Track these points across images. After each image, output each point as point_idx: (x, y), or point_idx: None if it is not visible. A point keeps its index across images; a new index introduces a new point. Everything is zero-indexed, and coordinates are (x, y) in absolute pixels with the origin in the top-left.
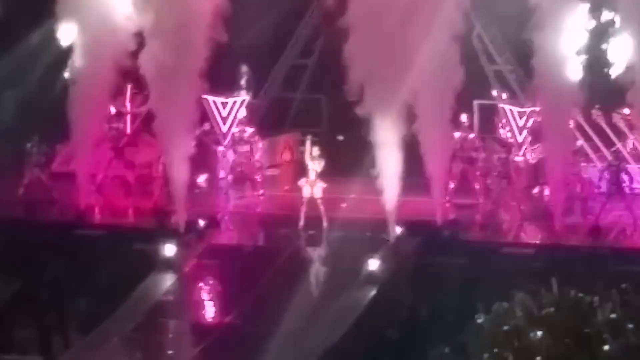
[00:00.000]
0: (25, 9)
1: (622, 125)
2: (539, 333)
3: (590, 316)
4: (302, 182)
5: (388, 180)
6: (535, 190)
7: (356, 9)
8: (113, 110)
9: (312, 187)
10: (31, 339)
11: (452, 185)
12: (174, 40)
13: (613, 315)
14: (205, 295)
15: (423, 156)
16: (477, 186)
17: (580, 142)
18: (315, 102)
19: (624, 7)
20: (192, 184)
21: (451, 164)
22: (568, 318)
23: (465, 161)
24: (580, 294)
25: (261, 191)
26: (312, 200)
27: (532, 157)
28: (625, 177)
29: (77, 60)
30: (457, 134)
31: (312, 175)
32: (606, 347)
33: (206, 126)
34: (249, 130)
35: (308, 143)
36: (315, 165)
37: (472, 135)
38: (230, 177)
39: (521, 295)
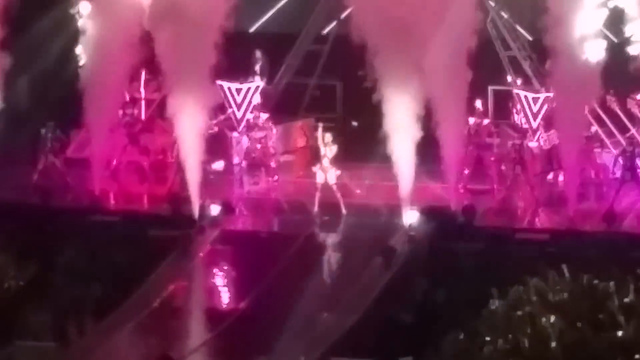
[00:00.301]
0: None
1: (636, 110)
2: (553, 318)
3: (604, 301)
4: (316, 168)
5: (403, 165)
6: (550, 176)
7: None
8: (128, 96)
9: (326, 173)
10: (45, 324)
11: (466, 171)
12: (187, 26)
13: (627, 300)
14: (219, 281)
15: (438, 142)
16: (491, 172)
17: (595, 128)
18: (330, 88)
19: None
20: (206, 170)
21: (466, 149)
22: (582, 304)
23: (480, 147)
24: (595, 280)
25: (276, 177)
26: (326, 186)
27: (546, 143)
28: (639, 163)
29: (90, 43)
30: (471, 120)
31: (325, 161)
32: (620, 333)
33: (221, 117)
34: (264, 116)
35: (320, 129)
36: (328, 151)
37: (486, 121)
38: (244, 163)
39: (535, 281)
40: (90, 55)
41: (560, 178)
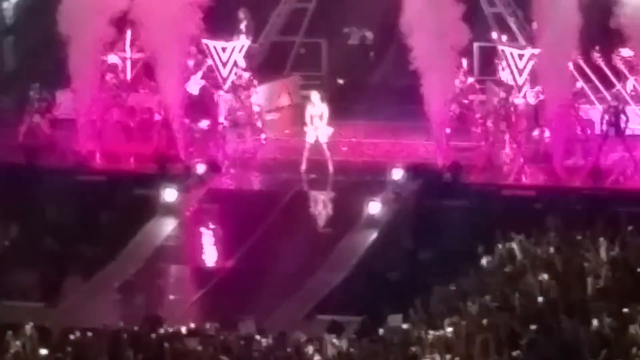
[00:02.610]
0: None
1: (621, 66)
2: (540, 275)
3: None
4: (307, 127)
5: (389, 123)
6: (536, 132)
7: None
8: (113, 56)
9: (317, 132)
10: (32, 285)
11: (448, 130)
12: None
13: (612, 253)
14: (206, 240)
15: (423, 99)
16: (477, 129)
17: (580, 83)
18: (315, 45)
19: None
20: (192, 129)
21: (449, 108)
22: (567, 258)
23: (464, 106)
24: (579, 235)
25: (263, 135)
26: (315, 145)
27: (532, 99)
28: (623, 118)
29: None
30: (456, 81)
31: (316, 120)
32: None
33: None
34: (249, 74)
35: (314, 93)
36: (320, 109)
37: (471, 80)
38: (230, 122)
39: (521, 237)
40: (73, 15)
41: (546, 134)
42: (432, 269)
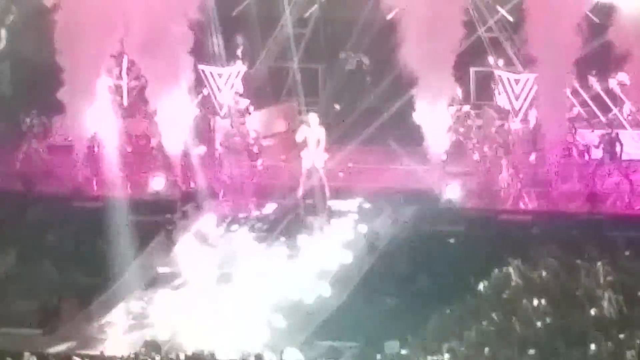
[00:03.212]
0: None
1: (618, 91)
2: (538, 300)
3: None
4: (304, 152)
5: (386, 148)
6: (532, 157)
7: None
8: (110, 81)
9: (314, 157)
10: (30, 311)
11: (444, 157)
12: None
13: (609, 279)
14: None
15: (420, 124)
16: (474, 154)
17: (577, 108)
18: (312, 71)
19: None
20: (189, 155)
21: (446, 135)
22: (564, 284)
23: (460, 133)
24: (577, 259)
25: (259, 161)
26: (311, 171)
27: (528, 124)
28: (619, 145)
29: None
30: (452, 109)
31: (312, 146)
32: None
33: (204, 92)
34: (245, 100)
35: (312, 115)
36: (317, 135)
37: (466, 108)
38: (226, 147)
39: (518, 262)
40: (70, 41)
41: (539, 158)
42: (429, 294)
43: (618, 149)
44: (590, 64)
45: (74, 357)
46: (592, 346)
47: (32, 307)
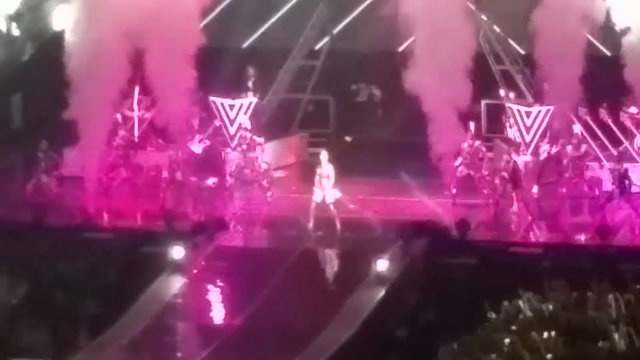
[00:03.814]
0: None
1: (629, 123)
2: (548, 333)
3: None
4: (314, 187)
5: (396, 180)
6: (535, 189)
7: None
8: (120, 114)
9: (324, 192)
10: (40, 342)
11: (454, 191)
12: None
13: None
14: (213, 297)
15: (431, 157)
16: (484, 186)
17: (587, 143)
18: (323, 103)
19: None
20: (200, 186)
21: (457, 168)
22: (575, 317)
23: (471, 167)
24: (588, 292)
25: (269, 193)
26: (322, 204)
27: (539, 156)
28: (628, 180)
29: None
30: (464, 144)
31: (324, 181)
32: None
33: (215, 124)
34: (256, 132)
35: (323, 152)
36: (327, 170)
37: (477, 143)
38: (237, 179)
39: (529, 295)
40: (81, 73)
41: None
42: (440, 326)
43: (627, 182)
44: (601, 97)
45: None
46: None
47: (42, 338)
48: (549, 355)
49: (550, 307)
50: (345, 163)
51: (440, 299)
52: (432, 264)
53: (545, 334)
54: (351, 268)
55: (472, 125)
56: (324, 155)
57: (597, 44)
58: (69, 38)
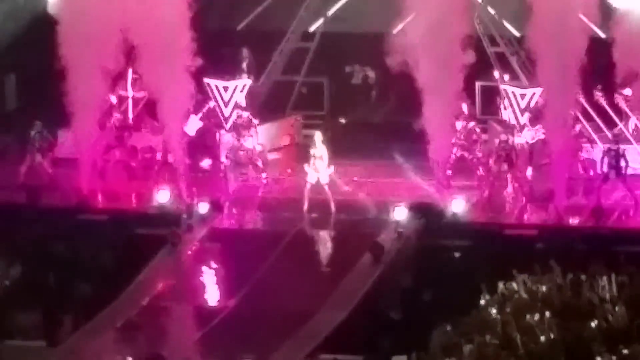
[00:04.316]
0: None
1: (623, 105)
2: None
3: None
4: (307, 167)
5: (391, 162)
6: (529, 172)
7: None
8: (115, 95)
9: (318, 173)
10: (34, 324)
11: (449, 172)
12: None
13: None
14: (208, 279)
15: (425, 138)
16: (479, 168)
17: (581, 124)
18: (317, 85)
19: None
20: (195, 168)
21: (451, 150)
22: (569, 298)
23: (465, 148)
24: (582, 274)
25: (264, 175)
26: (317, 185)
27: (531, 138)
28: (623, 160)
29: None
30: (458, 125)
31: (318, 162)
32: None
33: (210, 105)
34: (250, 114)
35: (317, 133)
36: (321, 151)
37: (472, 124)
38: (231, 161)
39: (523, 277)
40: (75, 54)
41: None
42: (434, 307)
43: (623, 164)
44: (596, 78)
45: None
46: None
47: (36, 320)
48: (542, 337)
49: (545, 288)
50: (340, 145)
51: (434, 281)
52: (426, 246)
53: (540, 316)
54: (345, 250)
55: (465, 106)
56: (317, 136)
57: (593, 26)
58: (62, 17)
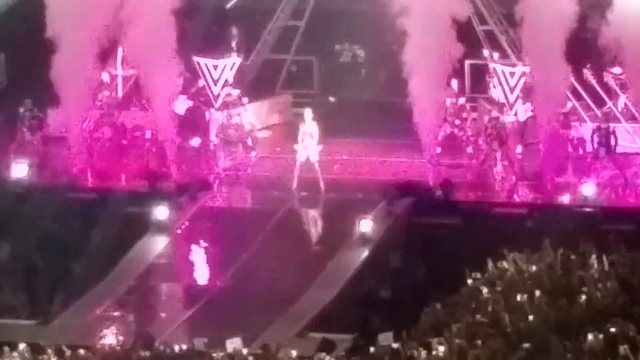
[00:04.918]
0: None
1: (612, 84)
2: (532, 293)
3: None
4: (297, 145)
5: (380, 141)
6: (519, 149)
7: None
8: (105, 74)
9: (308, 151)
10: (23, 302)
11: (439, 149)
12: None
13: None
14: (197, 258)
15: (414, 117)
16: (468, 147)
17: (571, 102)
18: (307, 63)
19: None
20: (184, 146)
21: (440, 127)
22: (558, 276)
23: (455, 125)
24: (571, 252)
25: (253, 153)
26: (306, 163)
27: (522, 116)
28: (613, 138)
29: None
30: (447, 101)
31: (307, 138)
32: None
33: (199, 84)
34: (240, 92)
35: (307, 110)
36: (311, 128)
37: (462, 100)
38: (221, 140)
39: (513, 255)
40: (64, 32)
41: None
42: (424, 286)
43: (613, 142)
44: (585, 57)
45: (68, 349)
46: (586, 339)
47: (26, 298)
48: (531, 316)
49: (534, 267)
50: (330, 124)
51: (424, 260)
52: (415, 225)
53: (529, 295)
54: (335, 229)
55: (455, 83)
56: (307, 113)
57: (582, 4)
58: None
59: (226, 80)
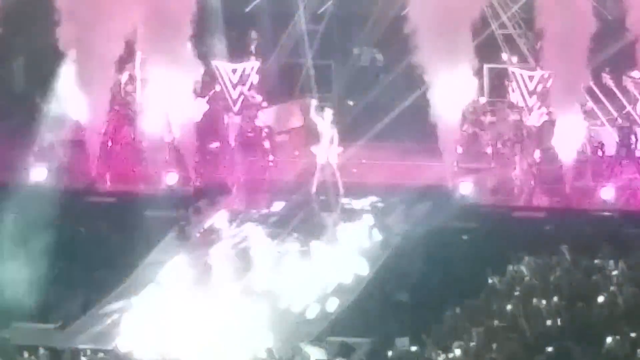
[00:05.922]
0: None
1: (632, 88)
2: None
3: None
4: (315, 148)
5: (399, 144)
6: (537, 154)
7: None
8: (124, 77)
9: (327, 153)
10: (43, 306)
11: (460, 150)
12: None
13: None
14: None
15: (434, 120)
16: (487, 150)
17: (590, 105)
18: (326, 67)
19: None
20: (203, 151)
21: (461, 128)
22: (577, 281)
23: (476, 125)
24: (590, 257)
25: (271, 157)
26: (325, 166)
27: (540, 120)
28: (634, 138)
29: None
30: (467, 104)
31: (326, 141)
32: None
33: (216, 88)
34: (259, 96)
35: (327, 111)
36: (330, 130)
37: (482, 100)
38: (239, 143)
39: (532, 259)
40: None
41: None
42: (442, 290)
43: (633, 144)
44: (604, 61)
45: (87, 352)
46: (604, 344)
47: (45, 302)
48: (549, 321)
49: (554, 271)
50: (348, 127)
51: (443, 264)
52: (434, 229)
53: (548, 299)
54: (355, 232)
55: (475, 84)
56: (326, 116)
57: (601, 8)
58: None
59: (245, 84)
